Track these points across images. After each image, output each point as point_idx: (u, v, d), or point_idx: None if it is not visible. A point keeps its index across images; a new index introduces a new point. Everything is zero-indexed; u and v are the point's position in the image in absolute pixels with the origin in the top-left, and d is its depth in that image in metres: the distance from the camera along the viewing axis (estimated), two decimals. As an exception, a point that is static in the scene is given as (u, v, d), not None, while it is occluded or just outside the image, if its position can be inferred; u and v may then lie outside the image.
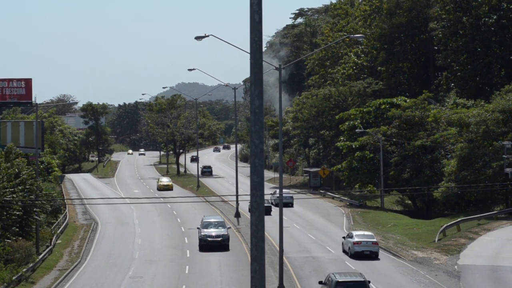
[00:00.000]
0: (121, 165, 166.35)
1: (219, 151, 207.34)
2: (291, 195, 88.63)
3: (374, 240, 54.74)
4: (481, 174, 72.47)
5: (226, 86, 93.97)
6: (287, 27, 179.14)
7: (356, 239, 54.28)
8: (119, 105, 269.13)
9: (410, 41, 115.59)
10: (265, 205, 56.10)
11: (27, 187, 55.14)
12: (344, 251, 56.25)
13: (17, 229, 52.76)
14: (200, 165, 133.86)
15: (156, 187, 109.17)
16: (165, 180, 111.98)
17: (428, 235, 63.83)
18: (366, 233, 56.51)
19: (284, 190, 74.98)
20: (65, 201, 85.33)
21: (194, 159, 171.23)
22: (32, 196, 55.86)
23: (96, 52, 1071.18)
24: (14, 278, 45.78)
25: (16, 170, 55.07)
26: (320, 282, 41.15)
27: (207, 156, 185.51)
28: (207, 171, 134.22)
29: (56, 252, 58.55)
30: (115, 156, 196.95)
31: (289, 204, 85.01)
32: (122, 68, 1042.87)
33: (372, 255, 53.77)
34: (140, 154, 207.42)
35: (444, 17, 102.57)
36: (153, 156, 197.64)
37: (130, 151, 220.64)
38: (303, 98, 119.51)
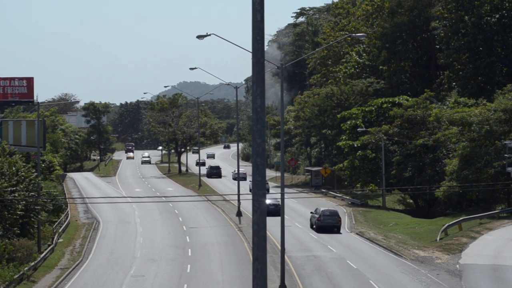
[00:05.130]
0: (123, 164, 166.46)
1: (229, 148, 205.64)
2: (337, 214, 67.13)
3: None
4: (482, 173, 72.36)
5: (228, 85, 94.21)
6: (289, 26, 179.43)
7: None
8: (120, 104, 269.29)
9: (412, 40, 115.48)
10: None
11: (25, 183, 55.09)
12: None
13: (18, 230, 52.65)
14: (206, 165, 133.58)
15: None
16: None
17: (430, 234, 63.75)
18: None
19: (330, 209, 69.34)
20: (67, 200, 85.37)
21: (210, 156, 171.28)
22: (33, 194, 55.84)
23: (98, 52, 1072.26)
24: (15, 277, 45.76)
25: (13, 168, 55.04)
26: None
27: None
28: (214, 173, 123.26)
29: (58, 251, 58.53)
30: (116, 155, 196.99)
31: (335, 229, 65.49)
32: (124, 67, 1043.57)
33: None
34: (143, 162, 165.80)
35: (446, 16, 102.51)
36: (154, 155, 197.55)
37: (131, 154, 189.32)
38: (305, 97, 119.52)
